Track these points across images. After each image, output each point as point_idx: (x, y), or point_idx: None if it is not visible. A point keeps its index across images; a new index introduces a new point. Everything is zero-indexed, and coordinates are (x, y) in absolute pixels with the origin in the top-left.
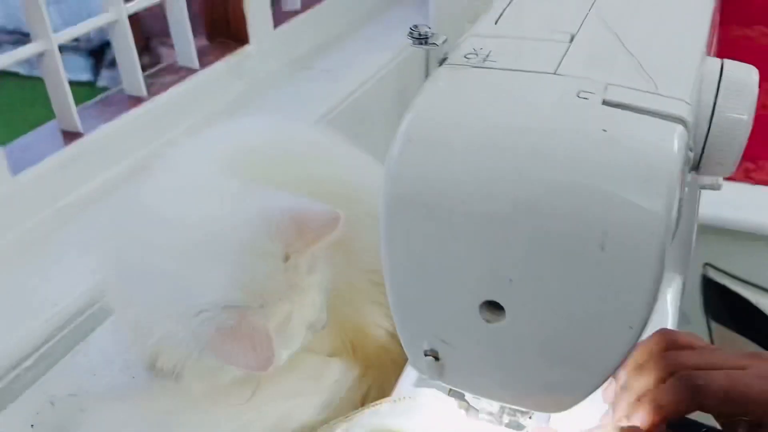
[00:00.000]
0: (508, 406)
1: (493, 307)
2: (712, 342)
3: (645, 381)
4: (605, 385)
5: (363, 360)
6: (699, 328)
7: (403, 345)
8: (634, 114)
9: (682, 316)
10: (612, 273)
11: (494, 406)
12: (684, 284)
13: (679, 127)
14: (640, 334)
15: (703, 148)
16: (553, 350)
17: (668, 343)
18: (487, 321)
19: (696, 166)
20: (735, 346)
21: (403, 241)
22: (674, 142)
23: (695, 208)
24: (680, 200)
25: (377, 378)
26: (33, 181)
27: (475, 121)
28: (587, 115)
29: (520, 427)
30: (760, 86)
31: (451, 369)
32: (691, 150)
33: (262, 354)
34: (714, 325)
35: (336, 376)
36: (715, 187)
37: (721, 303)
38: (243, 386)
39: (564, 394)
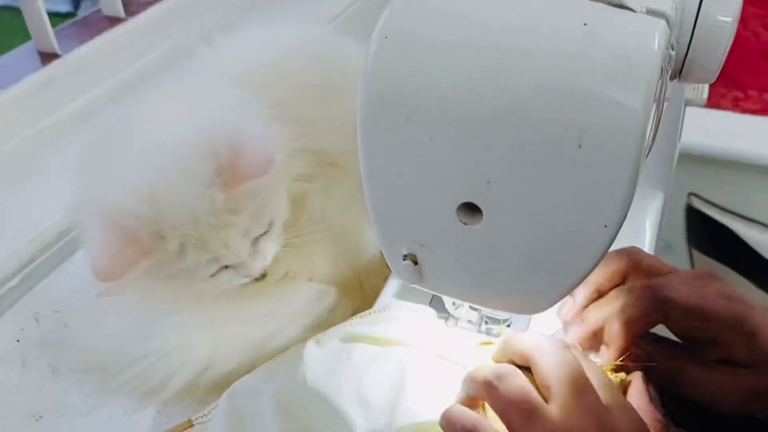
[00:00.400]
0: (486, 312)
1: (471, 209)
2: None
3: (603, 313)
4: (561, 302)
5: (372, 296)
6: (681, 256)
7: (382, 250)
8: (616, 9)
9: (665, 245)
10: (589, 171)
11: (473, 314)
12: (665, 203)
13: (662, 23)
14: (615, 235)
15: (687, 52)
16: (529, 250)
17: (630, 266)
18: (465, 223)
19: (679, 72)
20: None
21: (381, 142)
22: (655, 37)
23: (679, 122)
24: (660, 104)
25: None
26: (10, 102)
27: (454, 17)
28: (568, 10)
29: (498, 334)
30: (750, 13)
31: (429, 273)
32: (672, 49)
33: (109, 267)
34: (696, 254)
35: (330, 304)
36: (699, 102)
37: (705, 232)
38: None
39: (540, 295)
